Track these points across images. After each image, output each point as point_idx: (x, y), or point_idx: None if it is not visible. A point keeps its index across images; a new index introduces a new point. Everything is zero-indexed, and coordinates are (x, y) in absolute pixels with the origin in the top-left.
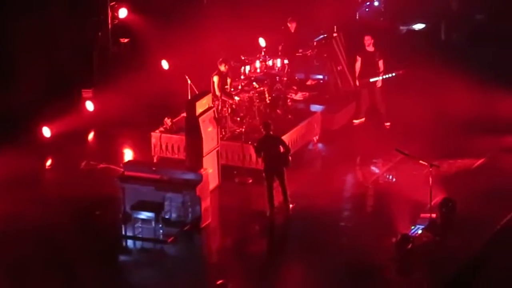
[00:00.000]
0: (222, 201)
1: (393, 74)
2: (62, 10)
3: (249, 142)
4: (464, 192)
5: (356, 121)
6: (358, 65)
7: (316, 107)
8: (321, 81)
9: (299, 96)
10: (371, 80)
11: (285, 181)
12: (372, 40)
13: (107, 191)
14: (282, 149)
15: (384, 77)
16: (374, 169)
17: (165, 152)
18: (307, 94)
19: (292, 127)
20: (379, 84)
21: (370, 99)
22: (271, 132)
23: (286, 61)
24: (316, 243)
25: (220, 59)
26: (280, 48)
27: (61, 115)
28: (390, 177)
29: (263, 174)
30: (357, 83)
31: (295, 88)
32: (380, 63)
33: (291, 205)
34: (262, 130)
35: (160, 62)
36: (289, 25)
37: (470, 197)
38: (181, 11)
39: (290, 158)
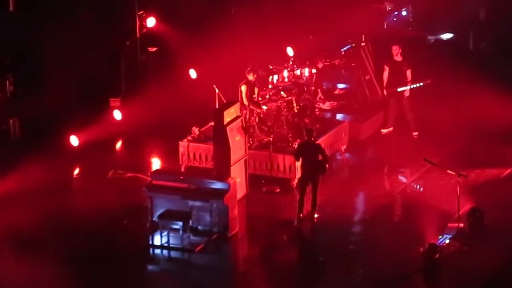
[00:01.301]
0: (249, 210)
1: (421, 84)
2: (91, 19)
3: (290, 143)
4: (492, 202)
5: (384, 131)
6: (386, 74)
7: (343, 117)
8: (346, 89)
9: (327, 106)
10: (399, 89)
11: (317, 190)
12: (400, 50)
13: (135, 200)
14: (320, 157)
15: (412, 86)
16: (402, 178)
17: (192, 161)
18: (335, 103)
19: (320, 136)
20: (407, 94)
21: (398, 108)
22: (313, 139)
23: (314, 71)
24: (343, 253)
25: (248, 68)
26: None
27: (89, 124)
28: (418, 186)
29: (292, 182)
30: (385, 92)
31: (322, 97)
32: (408, 72)
33: (316, 215)
34: (305, 135)
35: (188, 71)
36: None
37: (498, 207)
38: (210, 20)
39: (327, 166)
